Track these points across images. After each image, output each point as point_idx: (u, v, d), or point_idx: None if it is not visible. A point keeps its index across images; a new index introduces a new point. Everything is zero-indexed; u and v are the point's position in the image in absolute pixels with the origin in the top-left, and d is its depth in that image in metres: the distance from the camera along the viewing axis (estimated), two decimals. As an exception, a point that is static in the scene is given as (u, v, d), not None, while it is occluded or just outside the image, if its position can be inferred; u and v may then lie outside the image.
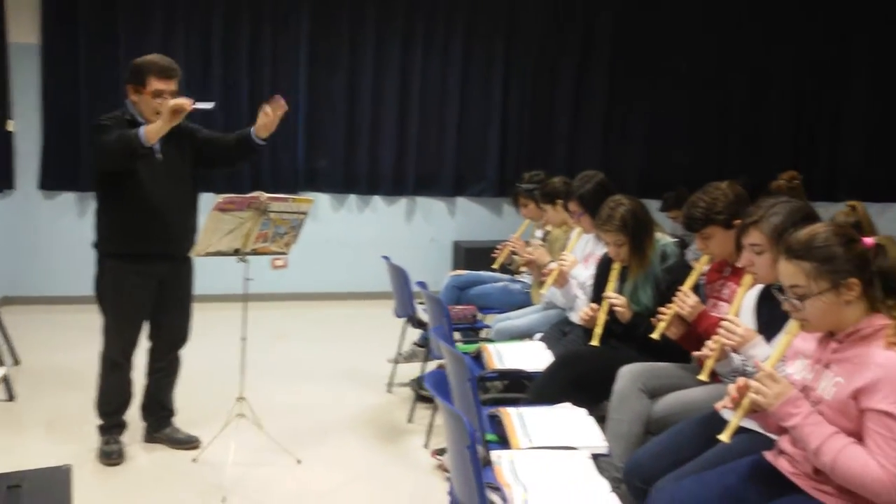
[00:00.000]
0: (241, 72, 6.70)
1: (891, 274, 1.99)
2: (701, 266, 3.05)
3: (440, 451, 3.61)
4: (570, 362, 3.24)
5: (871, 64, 7.94)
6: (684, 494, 2.18)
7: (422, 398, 4.29)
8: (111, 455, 3.57)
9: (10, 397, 4.27)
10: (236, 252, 3.59)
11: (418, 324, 4.39)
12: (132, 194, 3.43)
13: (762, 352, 2.44)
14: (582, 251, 4.00)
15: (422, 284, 3.92)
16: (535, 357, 3.42)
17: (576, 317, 3.68)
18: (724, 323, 2.52)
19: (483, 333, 4.42)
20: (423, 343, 4.68)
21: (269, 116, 3.45)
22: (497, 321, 4.24)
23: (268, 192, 3.54)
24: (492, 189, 7.33)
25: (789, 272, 2.04)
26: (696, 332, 2.84)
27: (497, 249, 4.64)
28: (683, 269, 3.19)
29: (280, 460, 3.62)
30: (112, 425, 3.65)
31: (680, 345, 2.93)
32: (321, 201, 6.99)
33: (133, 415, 3.75)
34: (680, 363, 3.04)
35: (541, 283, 4.28)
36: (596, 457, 2.47)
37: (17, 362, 4.83)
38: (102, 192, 3.54)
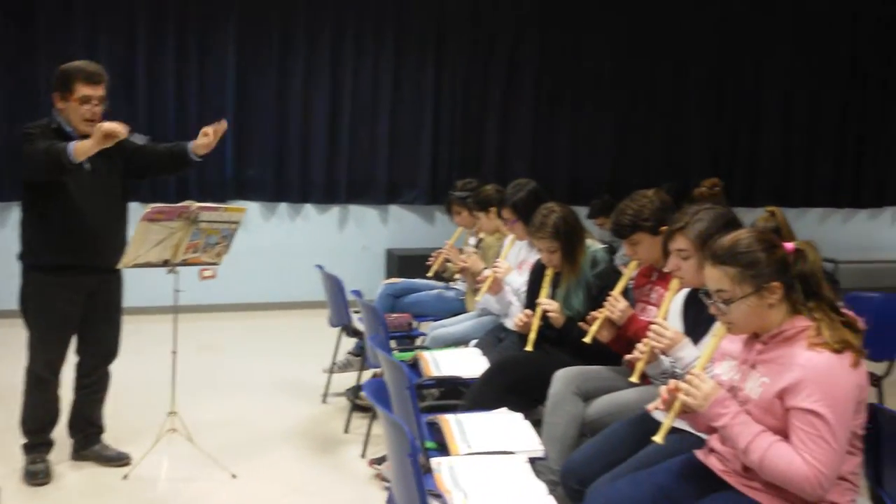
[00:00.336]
0: (166, 81, 6.58)
1: (810, 277, 2.08)
2: (630, 271, 3.13)
3: (378, 461, 3.61)
4: (505, 368, 3.29)
5: (787, 74, 8.30)
6: (618, 495, 2.24)
7: (358, 408, 4.28)
8: (37, 475, 3.45)
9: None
10: (166, 263, 3.53)
11: (353, 333, 4.38)
12: (59, 205, 3.34)
13: (690, 354, 2.52)
14: (515, 258, 4.06)
15: (357, 293, 3.92)
16: (471, 363, 3.45)
17: (511, 323, 3.73)
18: (653, 326, 2.59)
19: (418, 341, 4.44)
20: (358, 352, 4.67)
21: (209, 138, 3.43)
22: (432, 329, 4.26)
23: (195, 201, 3.50)
24: (424, 197, 7.38)
25: (714, 277, 2.12)
26: (626, 335, 2.91)
27: (431, 257, 4.66)
28: (613, 275, 3.28)
29: (214, 475, 3.56)
30: (38, 444, 3.53)
31: (611, 348, 3.00)
32: (251, 210, 6.90)
33: (60, 432, 3.64)
34: (612, 366, 3.11)
35: (475, 290, 4.33)
36: (533, 460, 2.51)
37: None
38: (28, 202, 3.43)
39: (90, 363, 3.62)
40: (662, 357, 2.68)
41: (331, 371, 4.65)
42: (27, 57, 6.19)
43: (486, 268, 4.17)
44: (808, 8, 8.29)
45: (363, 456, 3.82)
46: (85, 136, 3.21)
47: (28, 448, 3.53)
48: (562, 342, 3.31)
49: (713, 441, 2.21)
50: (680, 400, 2.07)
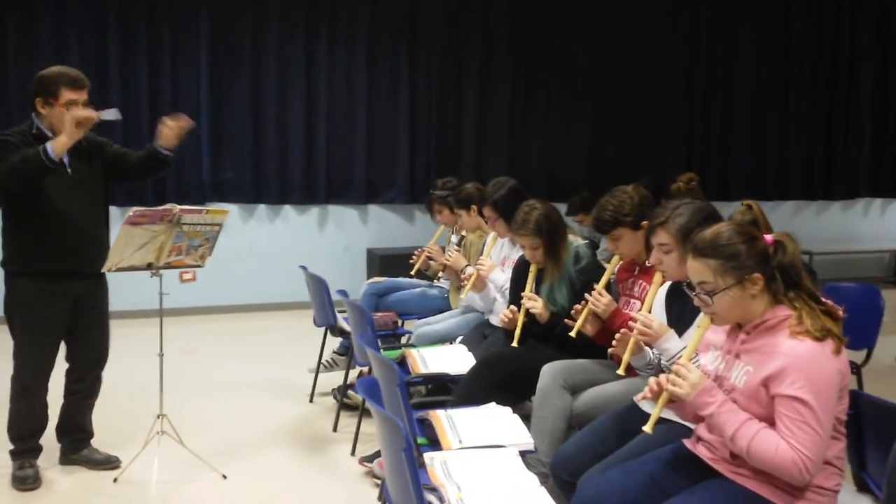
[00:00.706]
0: (139, 84, 6.54)
1: (790, 268, 2.14)
2: (612, 266, 3.19)
3: (368, 458, 3.64)
4: (492, 364, 3.33)
5: (757, 68, 8.43)
6: (609, 484, 2.29)
7: (346, 406, 4.30)
8: (26, 480, 3.45)
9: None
10: (149, 266, 3.53)
11: (340, 332, 4.40)
12: (41, 210, 3.33)
13: (675, 345, 2.58)
14: (498, 255, 4.11)
15: (343, 293, 3.95)
16: (458, 360, 3.49)
17: (496, 319, 3.78)
18: (638, 319, 2.65)
19: (404, 339, 4.47)
20: (344, 352, 4.70)
21: (168, 127, 3.47)
22: (417, 326, 4.30)
23: (176, 204, 3.50)
24: (403, 196, 7.40)
25: (697, 270, 2.17)
26: (610, 328, 2.96)
27: (414, 256, 4.70)
28: (596, 269, 3.34)
29: (205, 476, 3.57)
30: (25, 449, 3.52)
31: (596, 342, 3.06)
32: (230, 212, 6.87)
33: (48, 437, 3.62)
34: (597, 359, 3.17)
35: (458, 288, 4.38)
36: (523, 453, 2.56)
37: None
38: (9, 208, 3.41)
39: (81, 369, 3.61)
40: (647, 349, 2.74)
41: (317, 371, 4.67)
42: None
43: (468, 265, 4.22)
44: (776, 4, 8.42)
45: (353, 454, 3.85)
46: (54, 163, 3.20)
47: (15, 454, 3.52)
48: (547, 337, 3.37)
49: (701, 430, 2.27)
50: (667, 390, 2.13)
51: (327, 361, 4.73)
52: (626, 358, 2.69)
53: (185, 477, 3.56)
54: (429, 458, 2.47)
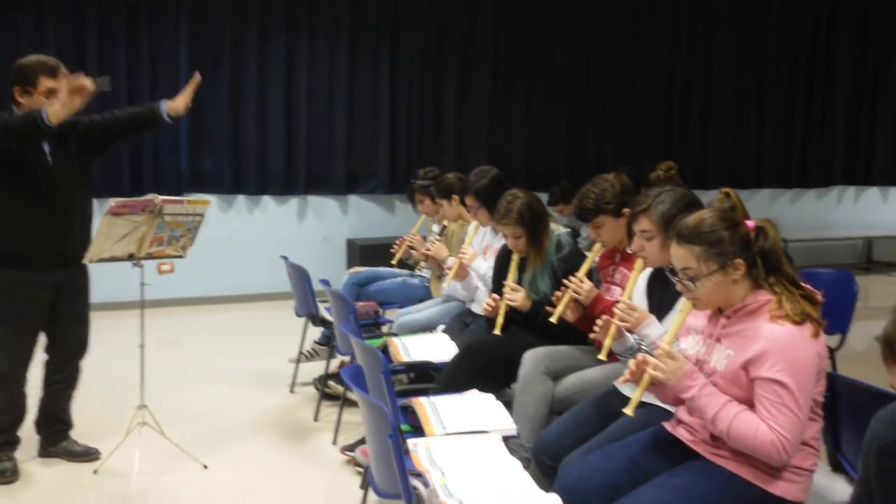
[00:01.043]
0: (118, 75, 6.46)
1: (771, 254, 2.18)
2: (594, 254, 3.21)
3: (350, 447, 3.64)
4: (475, 351, 3.35)
5: (735, 60, 8.50)
6: (591, 468, 2.32)
7: (327, 396, 4.31)
8: (4, 473, 3.41)
9: None
10: (131, 257, 3.51)
11: (321, 322, 4.40)
12: (20, 194, 3.30)
13: (655, 330, 2.61)
14: (480, 244, 4.12)
15: (325, 283, 3.95)
16: (440, 348, 3.50)
17: (478, 308, 3.80)
18: (619, 305, 2.68)
19: (385, 328, 4.48)
20: (325, 341, 4.70)
21: (186, 100, 3.56)
22: (399, 315, 4.31)
23: (157, 194, 3.48)
24: (383, 186, 7.39)
25: (680, 255, 2.20)
26: (592, 315, 2.99)
27: (395, 245, 4.71)
28: (578, 257, 3.36)
29: (186, 467, 3.57)
30: (3, 442, 3.49)
31: (577, 327, 3.08)
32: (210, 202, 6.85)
33: (27, 429, 3.60)
34: (579, 345, 3.19)
35: (440, 277, 4.39)
36: (506, 439, 2.58)
37: None
38: None
39: (61, 359, 3.59)
40: (628, 334, 2.77)
41: (298, 361, 4.67)
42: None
43: (450, 255, 4.23)
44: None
45: (335, 443, 3.85)
46: (49, 127, 3.16)
47: (-7, 447, 3.50)
48: (529, 324, 3.39)
49: (681, 412, 2.30)
50: (649, 374, 2.15)
51: (308, 351, 4.72)
52: (607, 343, 2.72)
53: (166, 468, 3.55)
54: (412, 445, 2.48)
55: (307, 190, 7.23)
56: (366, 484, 3.16)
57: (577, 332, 3.10)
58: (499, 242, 3.82)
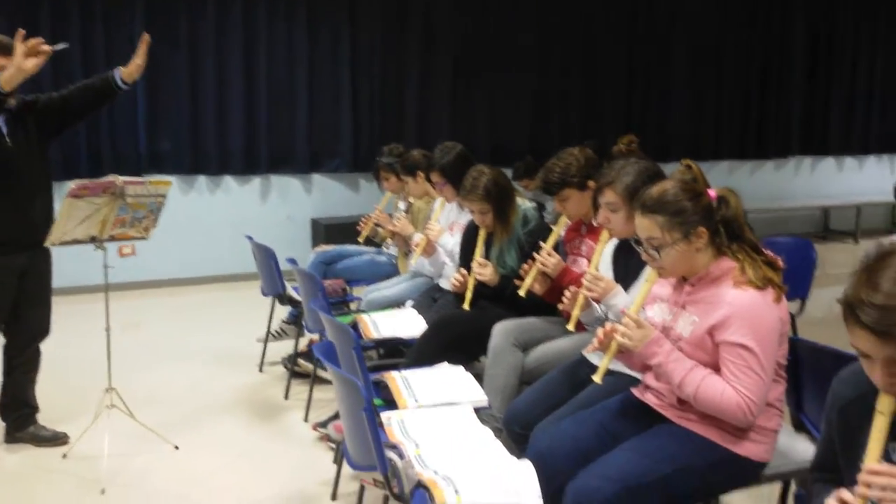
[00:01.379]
0: (72, 51, 6.30)
1: (733, 222, 2.23)
2: (560, 227, 3.25)
3: (322, 424, 3.66)
4: (444, 326, 3.37)
5: (692, 35, 8.58)
6: (562, 434, 2.36)
7: (296, 374, 4.31)
8: (-29, 460, 3.39)
9: None
10: (93, 239, 3.47)
11: (289, 301, 4.39)
12: None
13: (622, 300, 2.66)
14: (446, 220, 4.13)
15: (292, 261, 3.94)
16: (409, 324, 3.52)
17: (446, 283, 3.82)
18: (587, 276, 2.72)
19: (353, 306, 4.48)
20: (293, 320, 4.69)
21: (138, 64, 3.46)
22: (367, 293, 4.31)
23: (118, 175, 3.44)
24: (347, 164, 7.35)
25: (645, 226, 2.24)
26: (559, 287, 3.03)
27: (361, 223, 4.70)
28: (544, 231, 3.39)
29: (157, 448, 3.56)
30: (-32, 429, 3.46)
31: (545, 299, 3.12)
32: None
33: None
34: (547, 317, 3.24)
35: (407, 254, 4.40)
36: (478, 409, 2.61)
37: None
38: None
39: (19, 343, 3.54)
40: (595, 305, 2.82)
41: (266, 340, 4.66)
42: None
43: (416, 232, 4.24)
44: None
45: (306, 420, 3.87)
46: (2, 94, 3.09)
47: (-42, 434, 3.46)
48: (497, 298, 3.42)
49: (648, 378, 2.35)
50: (617, 341, 2.20)
51: (276, 331, 4.72)
52: (575, 314, 2.76)
53: (136, 450, 3.54)
54: (386, 418, 2.50)
55: (269, 169, 7.16)
56: (339, 459, 3.20)
57: (546, 305, 3.14)
58: (465, 218, 3.84)
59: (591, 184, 3.02)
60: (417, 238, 4.07)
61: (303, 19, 7.03)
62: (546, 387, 2.79)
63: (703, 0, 8.57)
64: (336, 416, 3.49)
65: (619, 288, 2.70)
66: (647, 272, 2.36)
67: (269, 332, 4.65)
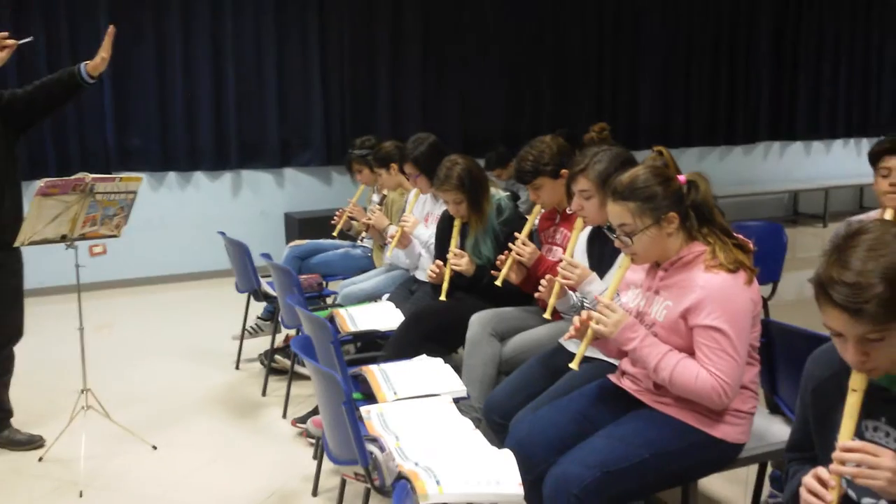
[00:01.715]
0: (37, 47, 6.21)
1: (703, 206, 2.25)
2: (534, 216, 3.27)
3: (301, 419, 3.65)
4: (422, 318, 3.38)
5: (661, 22, 8.64)
6: (541, 422, 2.38)
7: (273, 371, 4.29)
8: (-56, 466, 3.34)
9: None
10: (63, 238, 3.42)
11: (264, 297, 4.37)
12: None
13: (597, 287, 2.68)
14: (421, 211, 4.13)
15: (267, 256, 3.92)
16: (386, 317, 3.52)
17: (422, 275, 3.82)
18: (562, 264, 2.73)
19: (329, 300, 4.47)
20: (268, 317, 4.67)
21: (104, 57, 3.42)
22: (343, 287, 4.30)
23: (88, 173, 3.40)
24: (319, 158, 7.31)
25: (616, 212, 2.26)
26: (535, 276, 3.05)
27: (335, 216, 4.69)
28: (518, 220, 3.41)
29: (135, 449, 3.53)
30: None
31: (521, 289, 3.14)
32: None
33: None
34: (524, 306, 3.25)
35: (382, 247, 4.39)
36: (457, 400, 2.63)
37: None
38: None
39: (-7, 346, 3.49)
40: (571, 293, 2.83)
41: (242, 337, 4.63)
42: None
43: (390, 224, 4.23)
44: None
45: (285, 416, 3.85)
46: None
47: (-69, 440, 3.40)
48: (474, 289, 3.43)
49: (624, 364, 2.38)
50: (592, 328, 2.22)
51: (252, 328, 4.70)
52: (551, 302, 2.78)
53: (114, 451, 3.51)
54: (365, 412, 2.50)
55: (240, 164, 7.09)
56: (320, 454, 3.19)
57: (522, 294, 3.15)
58: (440, 209, 3.84)
59: (564, 172, 3.03)
60: (392, 230, 4.07)
61: (270, 10, 6.96)
62: (524, 376, 2.80)
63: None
64: (315, 412, 3.48)
65: (594, 275, 2.72)
66: (621, 259, 2.37)
67: (244, 328, 4.63)
